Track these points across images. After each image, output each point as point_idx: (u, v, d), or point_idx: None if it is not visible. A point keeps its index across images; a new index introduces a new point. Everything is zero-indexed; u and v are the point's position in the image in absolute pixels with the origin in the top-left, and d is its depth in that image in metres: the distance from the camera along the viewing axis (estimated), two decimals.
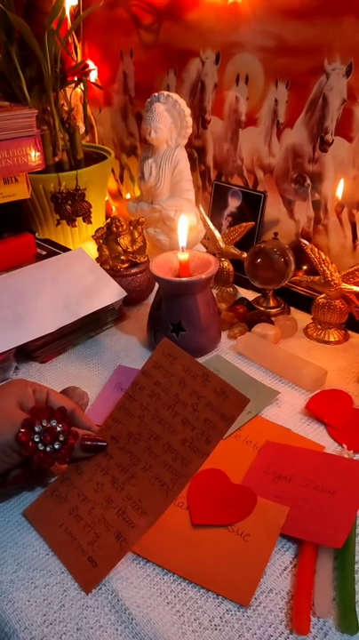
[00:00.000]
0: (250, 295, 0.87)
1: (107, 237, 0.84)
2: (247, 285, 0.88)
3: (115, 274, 0.82)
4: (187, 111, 0.90)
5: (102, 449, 0.55)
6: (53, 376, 0.72)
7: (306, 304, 0.82)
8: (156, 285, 0.78)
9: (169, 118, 0.90)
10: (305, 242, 0.76)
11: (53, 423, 0.51)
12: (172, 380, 0.55)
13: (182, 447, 0.52)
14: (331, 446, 0.59)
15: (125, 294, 0.78)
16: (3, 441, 0.48)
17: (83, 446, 0.53)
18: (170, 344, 0.57)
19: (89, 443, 0.54)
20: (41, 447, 0.49)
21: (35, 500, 0.54)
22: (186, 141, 0.93)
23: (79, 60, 1.11)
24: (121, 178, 1.24)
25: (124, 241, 0.83)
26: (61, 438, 0.51)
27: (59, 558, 0.49)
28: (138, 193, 1.10)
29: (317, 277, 0.75)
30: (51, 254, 0.89)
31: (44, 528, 0.52)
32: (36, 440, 0.49)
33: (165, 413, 0.54)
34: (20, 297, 0.76)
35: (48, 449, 0.50)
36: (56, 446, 0.50)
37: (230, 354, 0.75)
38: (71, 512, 0.52)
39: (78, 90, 1.10)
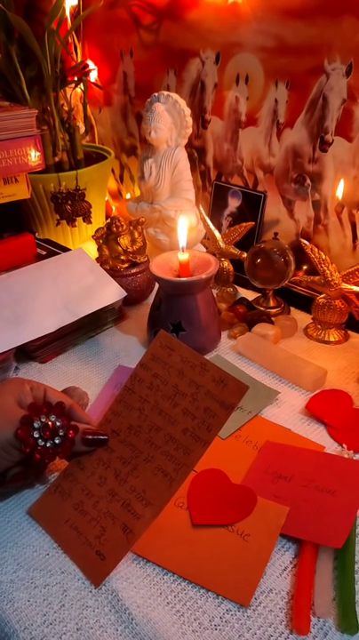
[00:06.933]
0: (250, 295, 0.87)
1: (107, 237, 0.84)
2: (247, 285, 0.88)
3: (115, 274, 0.82)
4: (187, 111, 0.89)
5: (103, 442, 0.55)
6: (53, 376, 0.72)
7: (306, 304, 0.82)
8: (156, 285, 0.78)
9: (169, 118, 0.90)
10: (305, 242, 0.76)
11: (52, 418, 0.51)
12: (171, 371, 0.55)
13: (183, 437, 0.52)
14: (331, 446, 0.59)
15: (125, 294, 0.78)
16: (4, 438, 0.48)
17: (85, 440, 0.53)
18: (167, 336, 0.57)
19: (90, 437, 0.54)
20: (41, 443, 0.49)
21: (40, 498, 0.54)
22: (186, 141, 0.93)
23: (79, 60, 1.11)
24: (121, 178, 1.24)
25: (124, 241, 0.83)
26: (61, 433, 0.51)
27: (66, 554, 0.49)
28: (138, 193, 1.10)
29: (317, 277, 0.75)
30: (51, 254, 0.89)
31: (50, 525, 0.52)
32: (36, 436, 0.49)
33: (165, 404, 0.54)
34: (20, 297, 0.76)
35: (48, 444, 0.50)
36: (56, 441, 0.50)
37: (230, 354, 0.75)
38: (76, 507, 0.52)
39: (78, 90, 1.10)
